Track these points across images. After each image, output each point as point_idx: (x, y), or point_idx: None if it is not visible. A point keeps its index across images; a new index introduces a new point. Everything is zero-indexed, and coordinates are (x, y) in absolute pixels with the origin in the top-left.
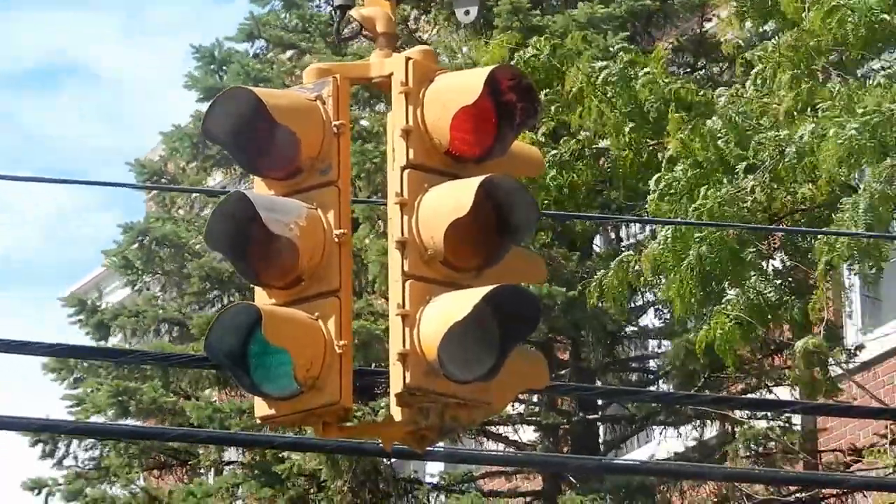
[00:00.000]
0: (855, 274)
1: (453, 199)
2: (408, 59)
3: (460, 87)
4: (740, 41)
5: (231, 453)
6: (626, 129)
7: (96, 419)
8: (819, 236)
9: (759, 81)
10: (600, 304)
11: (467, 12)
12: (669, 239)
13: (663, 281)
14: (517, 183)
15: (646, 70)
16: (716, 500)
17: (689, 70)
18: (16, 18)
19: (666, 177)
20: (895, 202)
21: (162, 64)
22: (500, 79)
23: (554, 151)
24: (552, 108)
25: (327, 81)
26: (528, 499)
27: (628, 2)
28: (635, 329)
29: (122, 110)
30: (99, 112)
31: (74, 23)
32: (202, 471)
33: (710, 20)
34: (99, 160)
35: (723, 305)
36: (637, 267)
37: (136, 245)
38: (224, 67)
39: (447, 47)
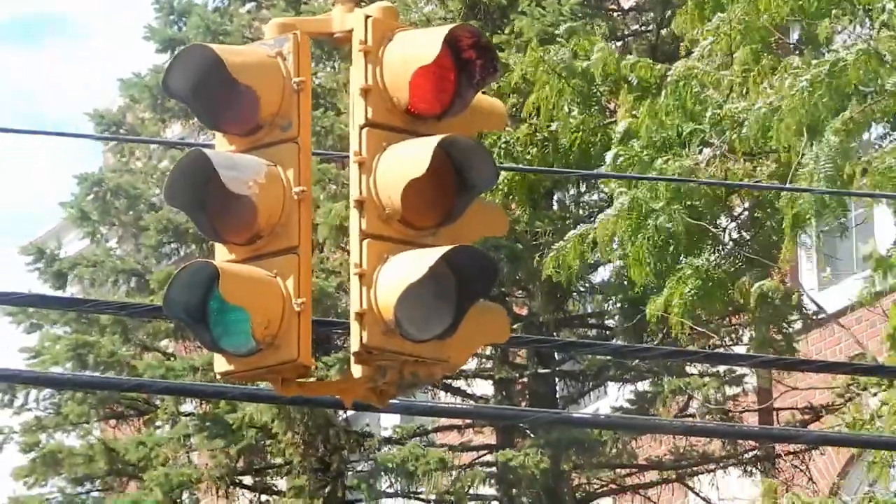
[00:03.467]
0: (819, 234)
1: (411, 158)
2: (367, 16)
3: (419, 45)
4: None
5: (188, 406)
6: (575, 111)
7: (54, 370)
8: (782, 194)
9: (708, 54)
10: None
11: None
12: (626, 206)
13: (617, 249)
14: (474, 141)
15: (600, 46)
16: (671, 456)
17: (654, 26)
18: None
19: (621, 151)
20: (855, 156)
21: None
22: (460, 36)
23: (506, 140)
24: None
25: (288, 37)
26: (480, 452)
27: None
28: (586, 285)
29: (103, 63)
30: (79, 65)
31: None
32: (159, 423)
33: None
34: (80, 112)
35: (679, 276)
36: (592, 237)
37: (91, 196)
38: (183, 19)
39: (402, 2)
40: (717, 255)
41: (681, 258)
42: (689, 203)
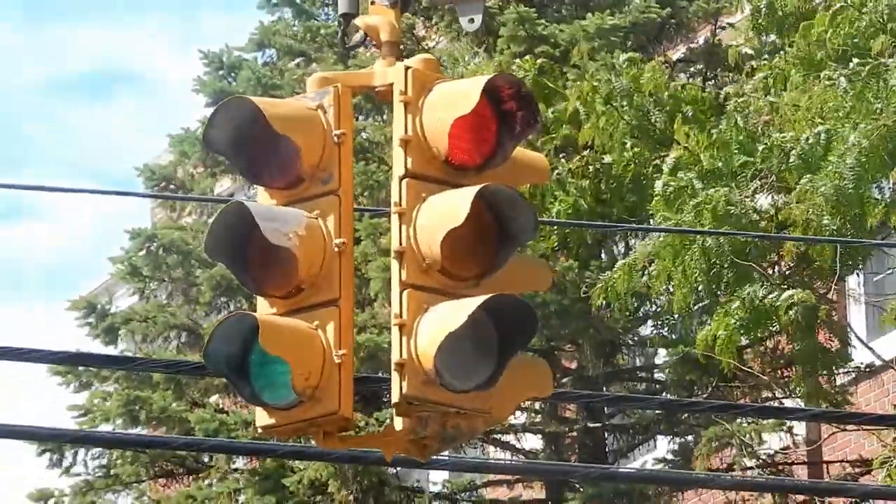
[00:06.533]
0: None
1: (450, 208)
2: (407, 68)
3: (458, 95)
4: (750, 50)
5: (239, 462)
6: (629, 143)
7: (104, 427)
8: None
9: (763, 86)
10: (603, 309)
11: (472, 20)
12: (668, 235)
13: (665, 278)
14: (515, 191)
15: (650, 74)
16: None
17: (700, 79)
18: (71, 26)
19: (672, 182)
20: (882, 157)
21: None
22: (500, 87)
23: (557, 170)
24: (555, 125)
25: (328, 90)
26: None
27: (635, 13)
28: (634, 339)
29: (177, 118)
30: (153, 120)
31: (130, 31)
32: (211, 481)
33: (722, 28)
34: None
35: (724, 308)
36: (640, 268)
37: (143, 251)
38: (233, 73)
39: (450, 56)
40: (763, 287)
41: (726, 290)
42: (735, 233)
